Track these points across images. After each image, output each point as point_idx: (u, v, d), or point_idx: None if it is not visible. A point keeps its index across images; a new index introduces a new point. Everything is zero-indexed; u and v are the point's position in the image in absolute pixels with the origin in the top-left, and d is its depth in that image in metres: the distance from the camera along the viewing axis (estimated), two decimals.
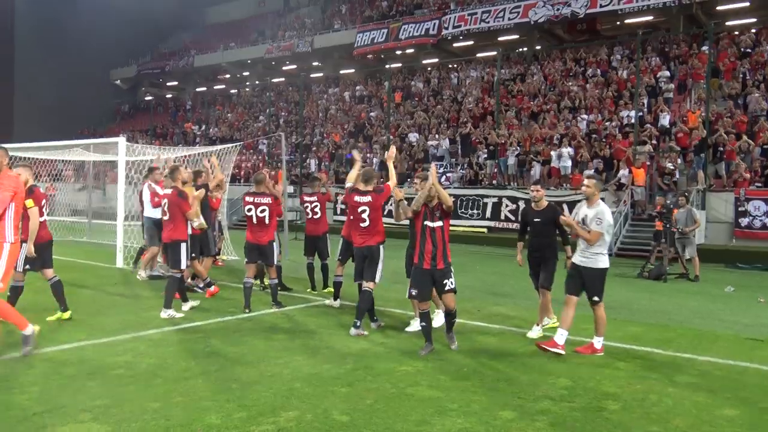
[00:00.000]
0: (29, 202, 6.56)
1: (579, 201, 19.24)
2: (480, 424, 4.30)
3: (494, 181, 22.01)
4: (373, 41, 34.93)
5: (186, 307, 8.07)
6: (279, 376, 5.35)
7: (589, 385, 5.29)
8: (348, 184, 7.86)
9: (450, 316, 6.49)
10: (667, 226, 12.69)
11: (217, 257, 13.42)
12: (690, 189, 17.59)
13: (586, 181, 6.62)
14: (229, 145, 14.31)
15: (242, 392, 4.89)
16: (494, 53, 33.92)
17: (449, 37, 32.89)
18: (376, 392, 4.94)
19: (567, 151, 20.31)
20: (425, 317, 6.39)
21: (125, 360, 5.76)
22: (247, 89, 45.22)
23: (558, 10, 28.58)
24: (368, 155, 27.19)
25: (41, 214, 6.99)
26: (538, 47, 32.38)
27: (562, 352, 6.16)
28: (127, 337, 6.68)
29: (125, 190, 17.36)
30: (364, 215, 7.14)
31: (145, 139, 39.49)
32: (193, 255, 8.92)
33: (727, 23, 27.85)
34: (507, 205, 20.93)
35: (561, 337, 6.25)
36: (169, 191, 8.06)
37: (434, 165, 6.91)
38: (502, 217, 20.89)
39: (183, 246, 7.87)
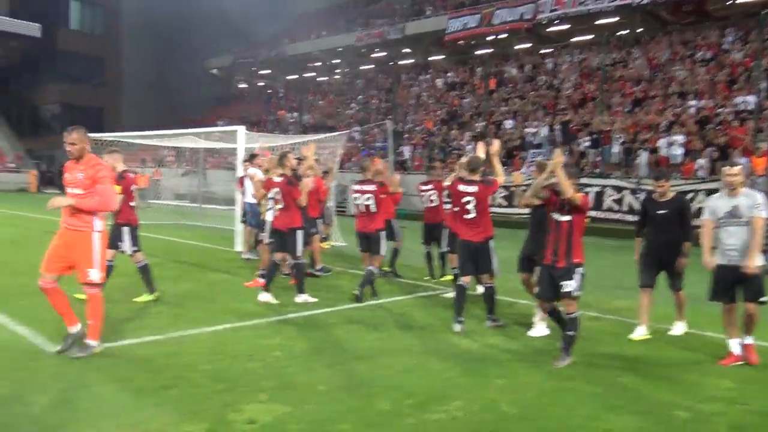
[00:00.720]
0: (116, 188, 6.95)
1: (689, 191, 18.48)
2: (657, 424, 4.20)
3: (597, 170, 21.33)
4: (465, 26, 34.48)
5: (264, 297, 7.87)
6: (426, 365, 5.41)
7: (754, 386, 5.05)
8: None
9: (563, 324, 5.78)
10: None
11: (323, 244, 13.79)
12: None
13: (734, 170, 6.12)
14: (337, 133, 14.57)
15: (400, 379, 4.98)
16: (590, 37, 32.95)
17: (544, 21, 32.03)
18: (536, 386, 4.91)
19: (678, 138, 19.39)
20: (566, 323, 5.73)
21: (278, 343, 5.98)
22: (337, 77, 45.88)
23: None
24: (461, 143, 27.03)
25: (131, 199, 7.51)
26: (639, 30, 31.03)
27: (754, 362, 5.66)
28: (271, 320, 6.94)
29: (224, 175, 17.96)
30: (469, 206, 6.75)
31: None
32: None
33: None
34: (610, 195, 20.21)
35: (736, 346, 5.77)
36: (279, 179, 8.03)
37: (558, 151, 6.41)
38: (605, 207, 20.21)
39: (299, 233, 7.89)
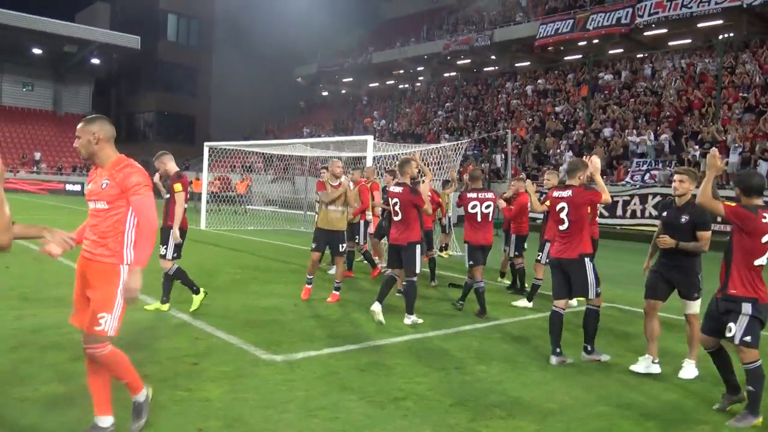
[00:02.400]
0: (177, 186, 6.90)
1: None
2: None
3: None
4: (557, 32, 33.90)
5: (408, 320, 7.15)
6: (607, 386, 5.22)
7: None
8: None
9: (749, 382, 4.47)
10: None
11: (441, 253, 13.74)
12: None
13: None
14: (457, 142, 14.53)
15: (618, 396, 4.83)
16: (688, 41, 31.73)
17: (641, 26, 31.12)
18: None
19: None
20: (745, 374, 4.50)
21: (471, 351, 5.92)
22: (418, 84, 46.02)
23: None
24: (558, 150, 26.51)
25: (184, 201, 7.01)
26: (745, 33, 29.63)
27: None
28: (437, 334, 6.88)
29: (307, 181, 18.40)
30: (563, 214, 5.82)
31: (327, 134, 41.58)
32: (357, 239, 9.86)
33: None
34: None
35: None
36: (398, 189, 7.19)
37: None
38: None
39: (418, 248, 7.15)
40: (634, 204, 20.93)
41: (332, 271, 9.94)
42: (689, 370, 5.47)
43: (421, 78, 46.43)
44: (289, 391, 4.59)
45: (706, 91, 25.57)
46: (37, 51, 43.81)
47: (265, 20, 47.39)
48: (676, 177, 5.43)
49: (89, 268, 3.58)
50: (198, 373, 4.87)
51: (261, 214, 24.81)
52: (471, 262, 7.79)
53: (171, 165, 7.15)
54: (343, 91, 53.03)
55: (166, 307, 7.10)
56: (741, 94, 24.03)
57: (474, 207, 7.79)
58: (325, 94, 54.01)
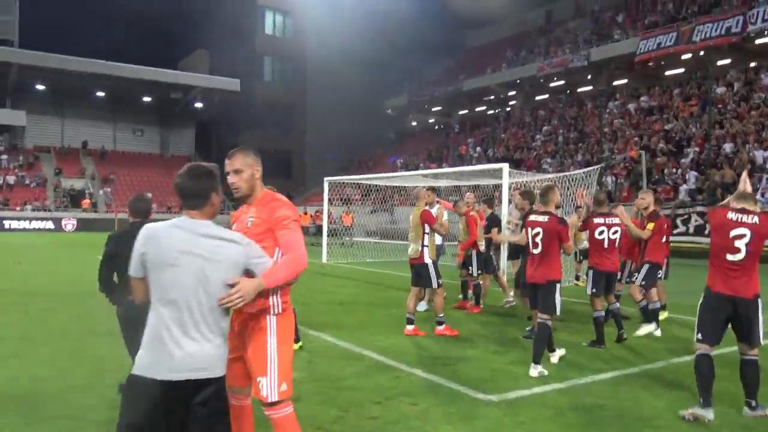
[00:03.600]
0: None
1: None
2: None
3: None
4: (659, 46, 32.70)
5: (554, 358, 6.52)
6: None
7: None
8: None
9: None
10: None
11: (579, 281, 13.15)
12: None
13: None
14: (591, 168, 14.09)
15: None
16: None
17: (752, 34, 29.52)
18: None
19: None
20: None
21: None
22: (508, 108, 45.57)
23: None
24: (675, 170, 25.29)
25: None
26: None
27: None
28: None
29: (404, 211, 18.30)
30: (538, 239, 6.24)
31: (421, 163, 41.75)
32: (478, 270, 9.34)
33: None
34: None
35: None
36: (543, 218, 6.33)
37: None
38: None
39: (558, 287, 6.22)
40: None
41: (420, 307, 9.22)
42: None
43: (512, 102, 45.99)
44: None
45: None
46: (146, 99, 46.77)
47: (354, 55, 48.68)
48: None
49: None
50: (425, 415, 4.75)
51: (366, 245, 25.00)
52: (594, 290, 7.31)
53: None
54: (431, 120, 53.35)
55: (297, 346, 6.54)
56: None
57: (602, 233, 7.35)
58: (414, 123, 54.51)
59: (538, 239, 6.26)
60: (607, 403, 5.12)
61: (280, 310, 3.10)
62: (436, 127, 52.25)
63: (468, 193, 10.87)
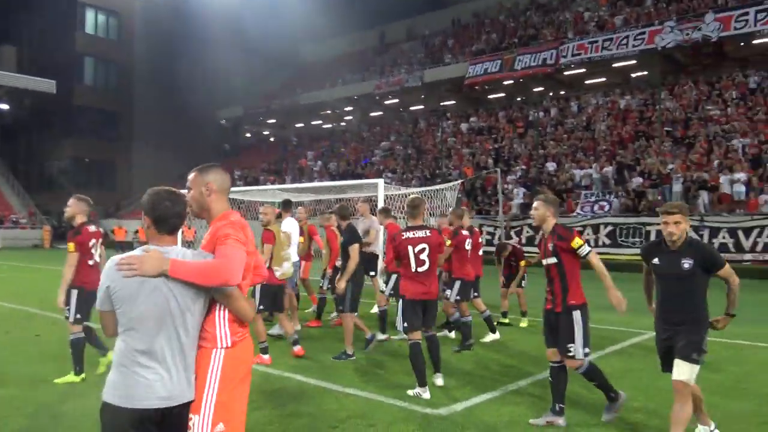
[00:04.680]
0: (70, 246, 5.99)
1: (754, 227, 19.17)
2: None
3: (657, 209, 21.98)
4: (485, 71, 35.60)
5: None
6: None
7: None
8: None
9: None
10: None
11: None
12: None
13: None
14: (451, 184, 14.91)
15: None
16: (603, 80, 34.34)
17: (562, 66, 33.31)
18: None
19: (741, 176, 20.21)
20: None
21: None
22: (343, 123, 46.58)
23: (687, 34, 28.51)
24: (506, 186, 27.54)
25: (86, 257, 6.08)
26: (660, 72, 32.42)
27: None
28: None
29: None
30: (423, 255, 6.06)
31: (258, 175, 41.02)
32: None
33: None
34: None
35: None
36: (424, 233, 6.08)
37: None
38: None
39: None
40: (587, 234, 22.15)
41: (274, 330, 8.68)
42: None
43: (347, 118, 47.05)
44: None
45: (633, 126, 27.63)
46: None
47: (186, 63, 46.64)
48: (668, 219, 4.33)
49: None
50: None
51: None
52: (459, 297, 7.89)
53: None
54: (265, 132, 52.73)
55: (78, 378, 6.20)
56: (666, 128, 26.20)
57: (468, 244, 8.01)
58: (248, 135, 53.47)
59: (423, 255, 5.97)
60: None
61: (229, 344, 2.80)
62: (272, 140, 51.72)
63: (300, 208, 10.57)
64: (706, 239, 20.19)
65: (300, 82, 47.79)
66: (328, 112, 46.76)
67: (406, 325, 5.90)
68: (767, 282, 17.49)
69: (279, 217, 8.86)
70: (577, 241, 4.90)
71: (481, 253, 8.81)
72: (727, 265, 4.34)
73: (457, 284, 7.92)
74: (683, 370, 4.18)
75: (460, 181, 16.89)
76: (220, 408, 2.74)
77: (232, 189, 3.50)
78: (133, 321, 2.59)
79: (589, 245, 4.97)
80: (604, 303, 5.20)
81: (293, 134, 48.21)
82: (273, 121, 50.18)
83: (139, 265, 2.57)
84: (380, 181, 12.37)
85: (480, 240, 9.07)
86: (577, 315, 4.89)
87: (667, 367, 4.41)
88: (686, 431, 4.22)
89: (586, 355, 4.89)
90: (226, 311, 2.81)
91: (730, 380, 6.49)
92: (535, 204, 5.16)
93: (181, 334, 2.65)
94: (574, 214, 23.59)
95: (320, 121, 48.64)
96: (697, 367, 4.23)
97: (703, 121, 25.51)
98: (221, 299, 2.79)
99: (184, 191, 2.95)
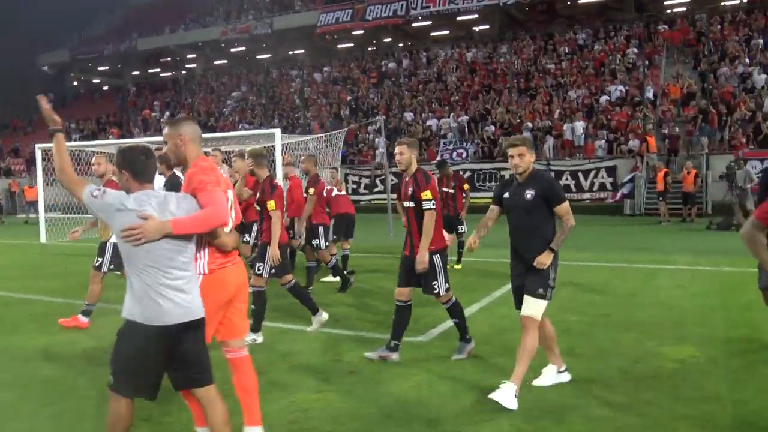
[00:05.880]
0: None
1: (592, 169, 21.80)
2: None
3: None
4: (337, 20, 35.62)
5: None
6: None
7: None
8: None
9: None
10: (732, 184, 15.29)
11: None
12: (695, 154, 20.70)
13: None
14: (337, 132, 15.19)
15: None
16: (447, 32, 36.11)
17: (411, 18, 34.37)
18: None
19: (580, 124, 22.69)
20: None
21: None
22: (184, 72, 44.12)
23: None
24: (367, 137, 28.27)
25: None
26: (500, 27, 34.69)
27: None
28: None
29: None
30: None
31: (95, 128, 37.89)
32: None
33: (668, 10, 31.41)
34: None
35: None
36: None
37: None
38: None
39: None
40: None
41: None
42: (505, 394, 4.09)
43: (189, 66, 44.60)
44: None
45: (481, 78, 29.54)
46: None
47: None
48: (513, 151, 4.36)
49: None
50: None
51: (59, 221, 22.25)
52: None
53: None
54: (96, 81, 48.38)
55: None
56: (509, 80, 28.40)
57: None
58: (75, 84, 48.73)
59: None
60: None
61: (206, 271, 3.36)
62: (105, 89, 47.61)
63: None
64: None
65: (135, 26, 44.17)
66: (168, 59, 44.00)
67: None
68: (602, 216, 20.20)
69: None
70: (426, 194, 5.06)
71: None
72: (566, 204, 4.31)
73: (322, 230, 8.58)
74: (530, 305, 4.26)
75: (345, 129, 17.19)
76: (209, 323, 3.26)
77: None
78: (145, 262, 2.97)
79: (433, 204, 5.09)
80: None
81: (130, 83, 44.75)
82: (105, 68, 46.07)
83: (144, 233, 2.91)
84: (277, 131, 12.33)
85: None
86: (436, 258, 5.12)
87: (519, 304, 4.43)
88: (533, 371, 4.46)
89: (447, 290, 5.18)
90: (206, 245, 3.36)
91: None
92: (398, 149, 5.24)
93: (187, 263, 3.10)
94: (434, 161, 24.95)
95: (158, 69, 45.63)
96: (544, 303, 4.28)
97: (542, 74, 27.98)
98: (206, 236, 3.31)
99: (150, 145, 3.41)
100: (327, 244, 8.68)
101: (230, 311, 3.52)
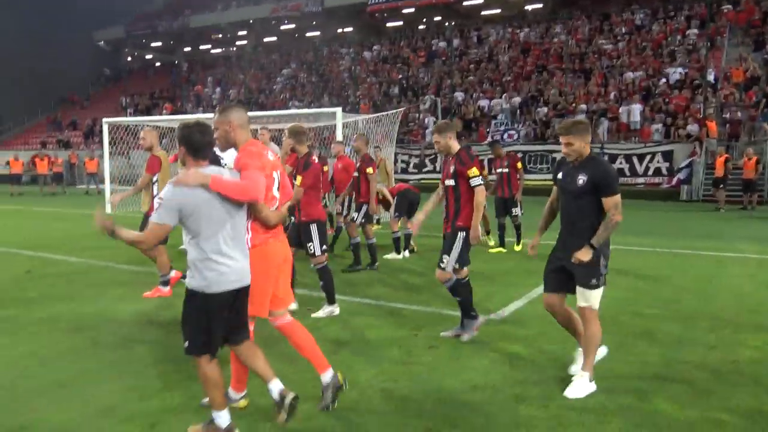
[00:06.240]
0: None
1: (648, 153, 21.35)
2: None
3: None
4: None
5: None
6: None
7: None
8: None
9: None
10: None
11: None
12: (757, 139, 20.07)
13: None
14: (394, 111, 15.32)
15: None
16: (498, 11, 35.53)
17: None
18: None
19: (637, 107, 22.23)
20: None
21: None
22: (233, 49, 44.56)
23: None
24: (417, 115, 28.25)
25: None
26: (550, 6, 33.99)
27: None
28: None
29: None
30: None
31: (149, 102, 38.78)
32: None
33: None
34: None
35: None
36: None
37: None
38: None
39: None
40: None
41: None
42: (581, 385, 4.14)
43: (239, 42, 45.10)
44: None
45: (534, 59, 29.11)
46: None
47: None
48: (562, 140, 4.25)
49: None
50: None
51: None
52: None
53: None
54: (149, 57, 49.34)
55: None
56: (564, 62, 27.91)
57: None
58: (129, 59, 49.81)
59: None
60: None
61: (250, 245, 3.66)
62: (158, 65, 48.56)
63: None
64: None
65: (188, 4, 44.77)
66: (219, 36, 44.57)
67: None
68: (656, 202, 19.87)
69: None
70: (473, 171, 5.12)
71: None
72: (617, 198, 4.08)
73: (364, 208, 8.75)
74: (585, 296, 4.18)
75: (401, 110, 17.31)
76: (254, 294, 3.62)
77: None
78: (201, 228, 3.29)
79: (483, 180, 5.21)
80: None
81: (182, 59, 45.51)
82: (158, 44, 46.96)
83: (185, 179, 3.25)
84: (338, 110, 12.51)
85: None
86: (461, 234, 5.21)
87: (549, 286, 4.39)
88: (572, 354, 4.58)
89: (454, 270, 5.25)
90: (250, 222, 3.66)
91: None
92: (434, 137, 5.39)
93: (236, 233, 3.44)
94: (485, 143, 24.85)
95: (209, 46, 46.24)
96: (599, 290, 4.20)
97: (597, 55, 27.40)
98: (251, 211, 3.63)
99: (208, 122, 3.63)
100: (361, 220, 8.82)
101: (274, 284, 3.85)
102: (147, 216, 7.01)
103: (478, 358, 4.86)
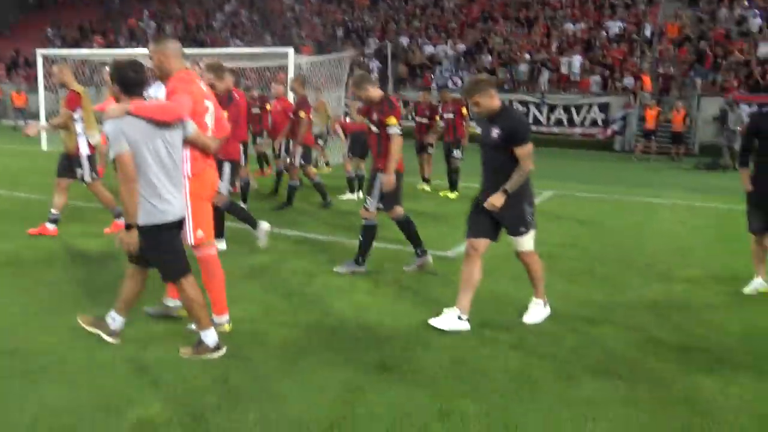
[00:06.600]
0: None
1: (585, 104, 22.08)
2: None
3: (505, 86, 24.09)
4: None
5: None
6: None
7: None
8: None
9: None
10: (724, 125, 15.82)
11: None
12: (687, 94, 21.07)
13: None
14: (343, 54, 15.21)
15: None
16: None
17: None
18: None
19: (578, 59, 22.82)
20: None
21: None
22: None
23: None
24: (362, 59, 27.99)
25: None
26: None
27: None
28: None
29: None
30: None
31: (77, 35, 36.75)
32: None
33: None
34: (517, 108, 23.26)
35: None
36: None
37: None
38: None
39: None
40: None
41: None
42: (537, 311, 4.58)
43: None
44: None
45: (480, 6, 29.15)
46: None
47: None
48: (469, 102, 4.42)
49: None
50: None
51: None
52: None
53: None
54: None
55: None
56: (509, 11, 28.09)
57: None
58: None
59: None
60: None
61: (191, 174, 3.91)
62: None
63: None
64: (544, 115, 22.94)
65: None
66: None
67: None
68: (592, 151, 20.78)
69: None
70: (391, 119, 5.38)
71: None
72: (528, 147, 4.22)
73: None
74: (519, 243, 4.42)
75: (349, 54, 17.17)
76: (196, 219, 3.96)
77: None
78: (143, 160, 3.44)
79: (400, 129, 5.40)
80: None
81: None
82: None
83: (108, 113, 3.41)
84: (290, 50, 12.36)
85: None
86: (380, 176, 5.52)
87: (471, 232, 4.46)
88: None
89: (377, 209, 5.59)
90: (188, 151, 3.84)
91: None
92: (353, 90, 5.70)
93: (175, 167, 3.63)
94: (431, 88, 24.98)
95: None
96: (531, 233, 4.42)
97: (541, 4, 27.71)
98: (189, 141, 3.78)
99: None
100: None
101: None
102: (69, 157, 6.73)
103: (442, 290, 5.21)
